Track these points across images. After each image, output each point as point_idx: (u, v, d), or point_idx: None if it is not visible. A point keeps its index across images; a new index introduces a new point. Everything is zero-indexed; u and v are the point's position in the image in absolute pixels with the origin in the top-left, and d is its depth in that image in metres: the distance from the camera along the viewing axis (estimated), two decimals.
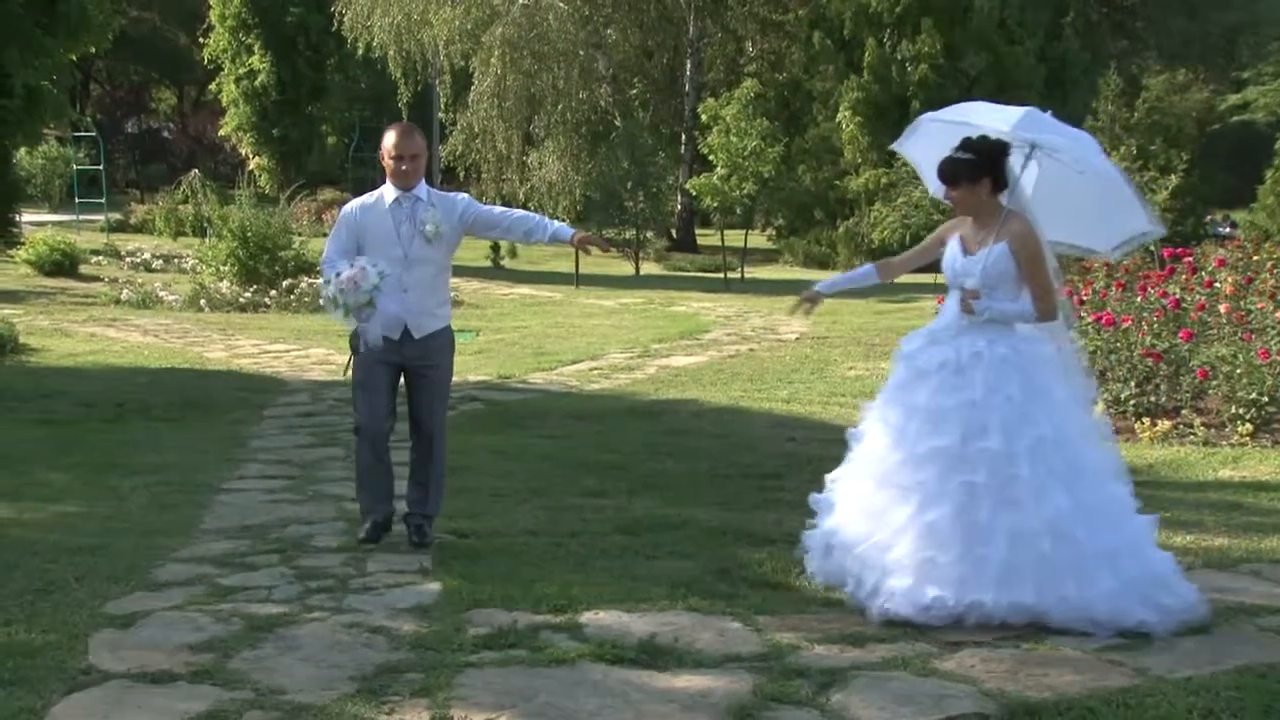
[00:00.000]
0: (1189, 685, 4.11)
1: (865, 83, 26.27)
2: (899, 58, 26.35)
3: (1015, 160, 5.00)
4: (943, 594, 4.63)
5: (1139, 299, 10.10)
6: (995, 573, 4.61)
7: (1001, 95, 24.59)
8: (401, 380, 5.76)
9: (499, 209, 5.99)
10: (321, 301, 5.66)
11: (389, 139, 5.64)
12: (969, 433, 4.76)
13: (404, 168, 5.56)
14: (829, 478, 5.32)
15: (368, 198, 5.76)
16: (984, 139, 4.97)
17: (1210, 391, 8.90)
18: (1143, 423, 8.52)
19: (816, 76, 28.13)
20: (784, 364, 12.12)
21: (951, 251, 5.09)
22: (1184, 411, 8.73)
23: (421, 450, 5.79)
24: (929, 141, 5.37)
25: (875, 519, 4.91)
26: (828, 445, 8.14)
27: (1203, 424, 8.49)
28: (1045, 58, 27.15)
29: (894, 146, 5.76)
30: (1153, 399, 8.95)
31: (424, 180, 5.73)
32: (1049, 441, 4.73)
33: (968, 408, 4.79)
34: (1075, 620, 4.57)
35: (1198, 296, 9.94)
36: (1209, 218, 28.80)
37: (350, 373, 5.74)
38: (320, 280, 5.71)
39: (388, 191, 5.64)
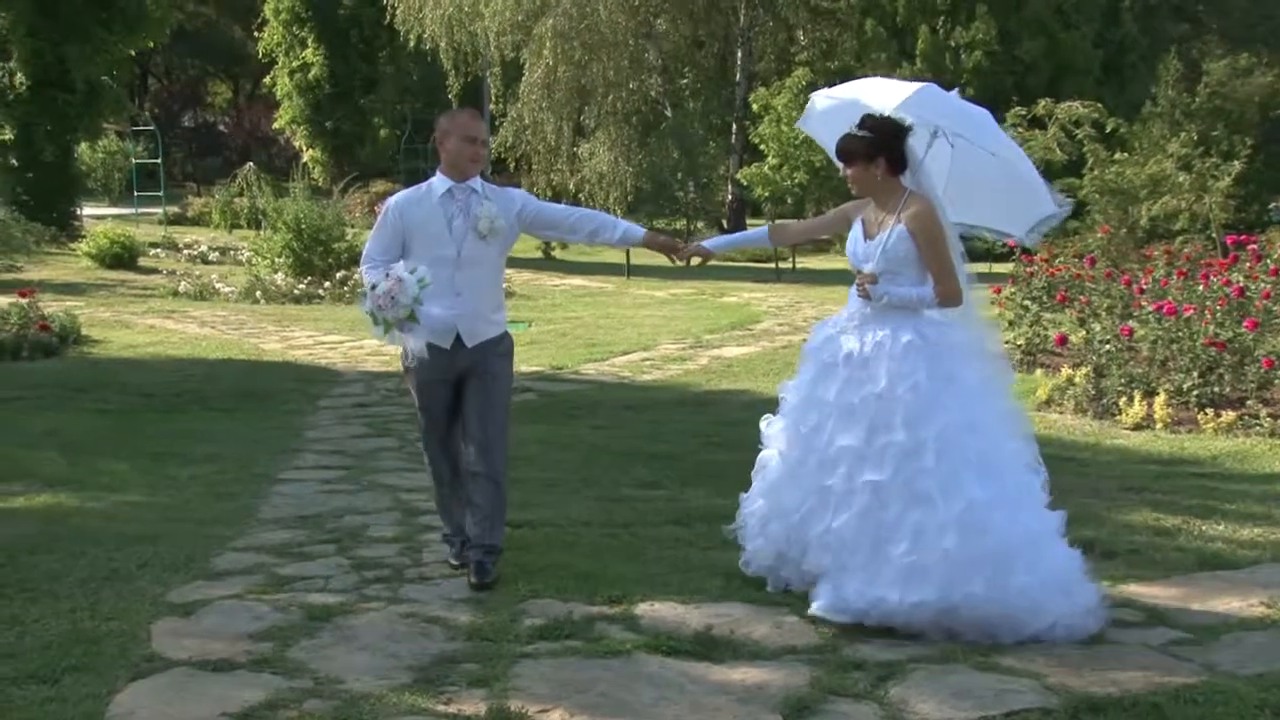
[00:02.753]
0: (1259, 682, 4.02)
1: (918, 70, 25.99)
2: (952, 44, 26.07)
3: (919, 141, 4.76)
4: (848, 593, 4.51)
5: (1201, 287, 9.91)
6: (900, 570, 4.44)
7: (1057, 81, 24.34)
8: None
9: (561, 207, 5.50)
10: (361, 313, 5.03)
11: (458, 119, 5.18)
12: (875, 428, 4.58)
13: (480, 151, 5.13)
14: (745, 497, 5.10)
15: (414, 191, 5.23)
16: (885, 118, 4.75)
17: (1277, 382, 8.73)
18: (1206, 414, 8.37)
19: (868, 64, 27.85)
20: None
21: (854, 235, 4.90)
22: (1249, 402, 8.55)
23: (478, 469, 5.14)
24: (829, 119, 5.12)
25: (792, 521, 4.77)
26: None
27: (1269, 415, 8.31)
28: (1102, 43, 26.77)
29: (798, 124, 5.52)
30: (1216, 389, 8.79)
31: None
32: (958, 428, 4.52)
33: (874, 401, 4.60)
34: (987, 616, 4.37)
35: (1263, 284, 9.73)
36: (1273, 204, 28.22)
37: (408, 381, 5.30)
38: (361, 277, 5.18)
39: (438, 183, 5.12)
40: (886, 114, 4.75)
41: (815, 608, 4.57)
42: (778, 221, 5.62)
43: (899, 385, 4.58)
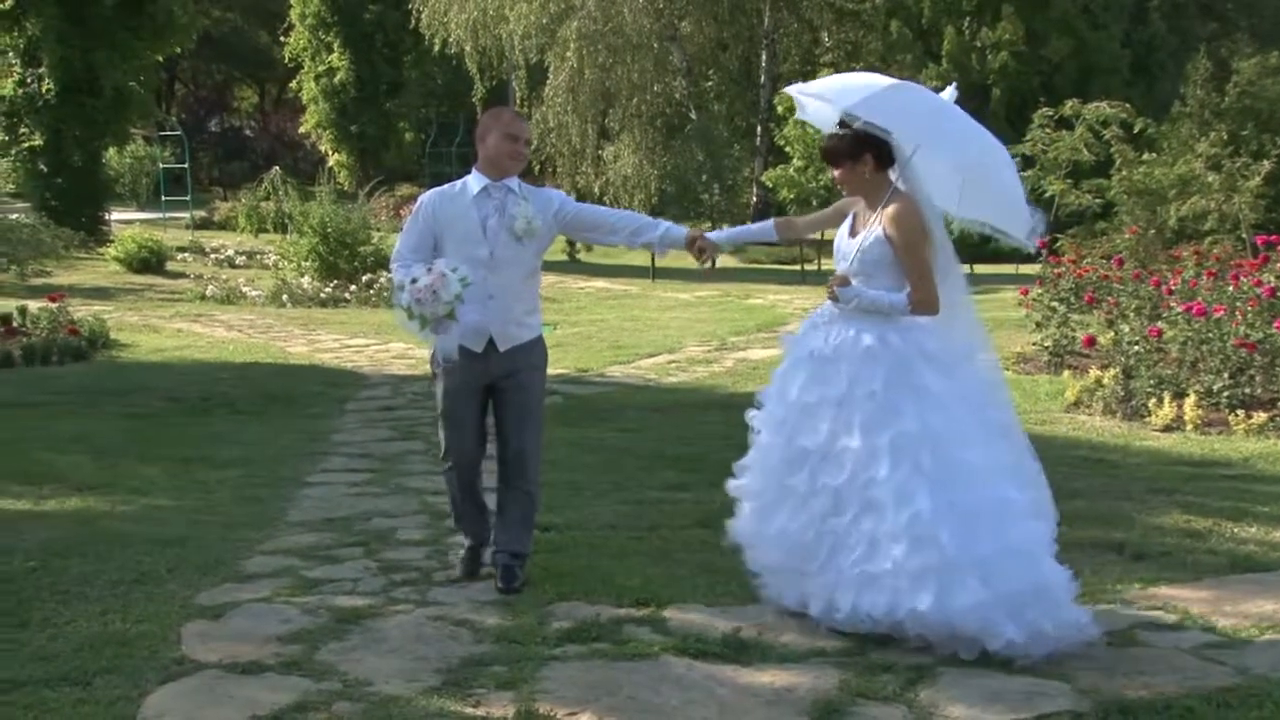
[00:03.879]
0: None
1: (944, 71, 25.95)
2: (978, 45, 25.99)
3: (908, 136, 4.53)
4: (809, 605, 4.44)
5: (1231, 288, 9.83)
6: (853, 580, 4.34)
7: (1085, 81, 24.21)
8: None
9: (601, 208, 5.30)
10: (394, 310, 4.91)
11: (502, 115, 5.05)
12: (835, 431, 4.44)
13: (521, 150, 4.95)
14: (737, 466, 4.87)
15: (449, 187, 5.06)
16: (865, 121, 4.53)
17: None
18: (1237, 415, 8.30)
19: (894, 65, 27.78)
20: None
21: (841, 231, 4.74)
22: None
23: (510, 479, 5.07)
24: (819, 116, 4.95)
25: (764, 519, 4.66)
26: None
27: None
28: (1130, 42, 26.62)
29: (798, 116, 5.30)
30: (1247, 390, 8.71)
31: None
32: (914, 437, 4.33)
33: (834, 404, 4.47)
34: (932, 634, 4.23)
35: None
36: None
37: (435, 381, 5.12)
38: (391, 276, 4.98)
39: (473, 181, 4.95)
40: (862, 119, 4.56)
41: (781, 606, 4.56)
42: (784, 218, 5.50)
43: (857, 389, 4.44)
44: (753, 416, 4.79)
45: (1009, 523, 4.31)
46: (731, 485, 4.86)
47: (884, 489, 4.32)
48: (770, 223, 5.21)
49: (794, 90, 5.02)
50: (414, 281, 4.64)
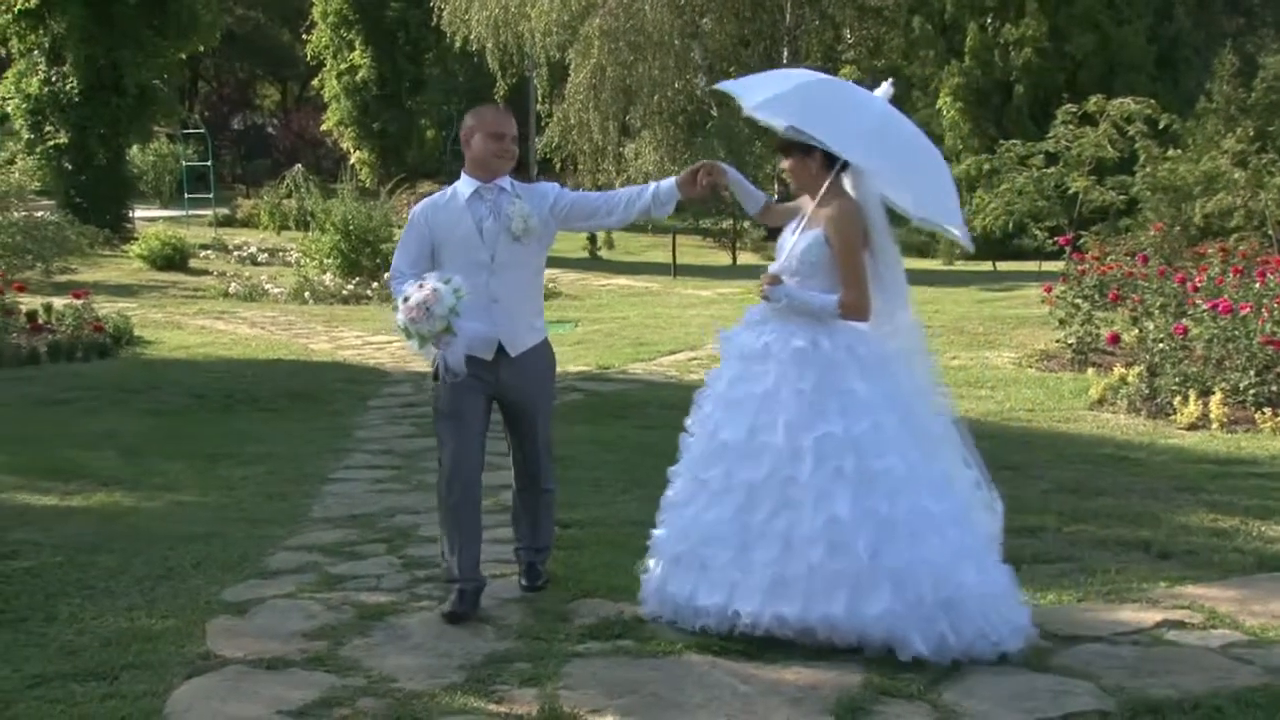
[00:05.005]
0: None
1: (967, 68, 25.82)
2: (1001, 41, 25.84)
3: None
4: (714, 600, 4.35)
5: (1257, 285, 9.76)
6: (764, 580, 4.25)
7: (1109, 78, 24.05)
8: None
9: (595, 194, 5.06)
10: (395, 328, 4.73)
11: (484, 115, 4.84)
12: (757, 426, 4.38)
13: (508, 148, 4.76)
14: (673, 471, 4.76)
15: (439, 196, 4.89)
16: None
17: None
18: (1263, 413, 8.23)
19: (916, 62, 27.71)
20: None
21: (788, 229, 4.66)
22: None
23: (527, 487, 5.00)
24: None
25: (677, 512, 4.59)
26: None
27: None
28: (1156, 38, 26.41)
29: (746, 112, 5.00)
30: (1274, 388, 8.63)
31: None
32: (838, 441, 4.26)
33: (759, 399, 4.40)
34: (841, 640, 4.18)
35: None
36: None
37: (436, 399, 4.85)
38: (391, 293, 4.79)
39: (463, 185, 4.80)
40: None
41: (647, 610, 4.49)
42: (771, 201, 5.39)
43: (784, 388, 4.38)
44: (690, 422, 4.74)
45: (926, 534, 4.26)
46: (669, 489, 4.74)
47: (804, 489, 4.26)
48: (763, 197, 5.00)
49: (725, 86, 4.94)
50: (406, 300, 4.49)
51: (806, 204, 4.66)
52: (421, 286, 4.48)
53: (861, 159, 4.46)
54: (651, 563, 4.67)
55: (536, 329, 4.87)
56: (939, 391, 4.62)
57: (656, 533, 4.69)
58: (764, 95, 4.63)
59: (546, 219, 4.81)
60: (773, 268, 4.60)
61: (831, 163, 4.50)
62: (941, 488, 4.37)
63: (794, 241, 4.55)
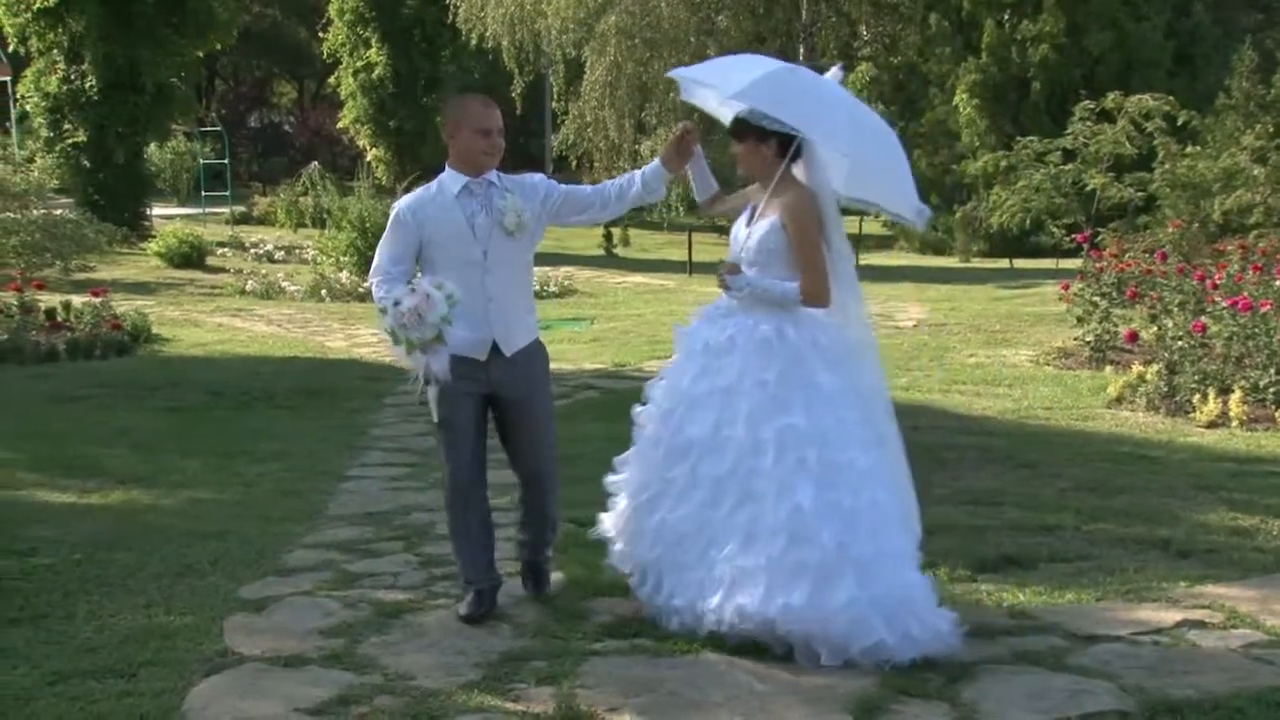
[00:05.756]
0: None
1: (983, 64, 25.70)
2: (1018, 38, 25.72)
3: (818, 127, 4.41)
4: (685, 600, 4.34)
5: (1277, 282, 9.70)
6: (726, 574, 4.23)
7: (1127, 74, 23.91)
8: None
9: (586, 188, 4.91)
10: (380, 331, 4.54)
11: (470, 110, 4.63)
12: (721, 420, 4.35)
13: (496, 143, 4.58)
14: (617, 461, 4.79)
15: (423, 191, 4.69)
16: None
17: None
18: None
19: (933, 59, 27.60)
20: (901, 351, 11.92)
21: (740, 220, 4.63)
22: None
23: (530, 495, 4.83)
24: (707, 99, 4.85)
25: (645, 514, 4.56)
26: (950, 433, 8.01)
27: None
28: (1173, 34, 26.24)
29: (683, 98, 5.09)
30: None
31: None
32: (800, 432, 4.25)
33: (722, 394, 4.38)
34: (804, 631, 4.13)
35: None
36: None
37: (428, 403, 4.72)
38: (374, 292, 4.62)
39: (450, 180, 4.62)
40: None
41: (647, 612, 4.45)
42: (720, 191, 5.31)
43: (746, 379, 4.35)
44: (638, 413, 4.72)
45: (885, 527, 4.28)
46: (609, 480, 4.76)
47: (766, 480, 4.25)
48: (716, 185, 4.94)
49: (677, 73, 4.91)
50: (397, 304, 4.35)
51: (756, 195, 4.63)
52: (414, 291, 4.36)
53: (827, 141, 4.43)
54: (628, 570, 4.65)
55: (530, 326, 4.75)
56: (885, 390, 4.60)
57: (617, 547, 4.67)
58: (734, 84, 4.52)
59: (538, 213, 4.69)
60: (729, 257, 4.57)
61: (785, 150, 4.48)
62: (894, 485, 4.41)
63: (748, 231, 4.54)
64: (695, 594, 4.33)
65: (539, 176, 4.83)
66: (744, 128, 4.54)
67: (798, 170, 4.53)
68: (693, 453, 4.41)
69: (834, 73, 4.66)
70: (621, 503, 4.70)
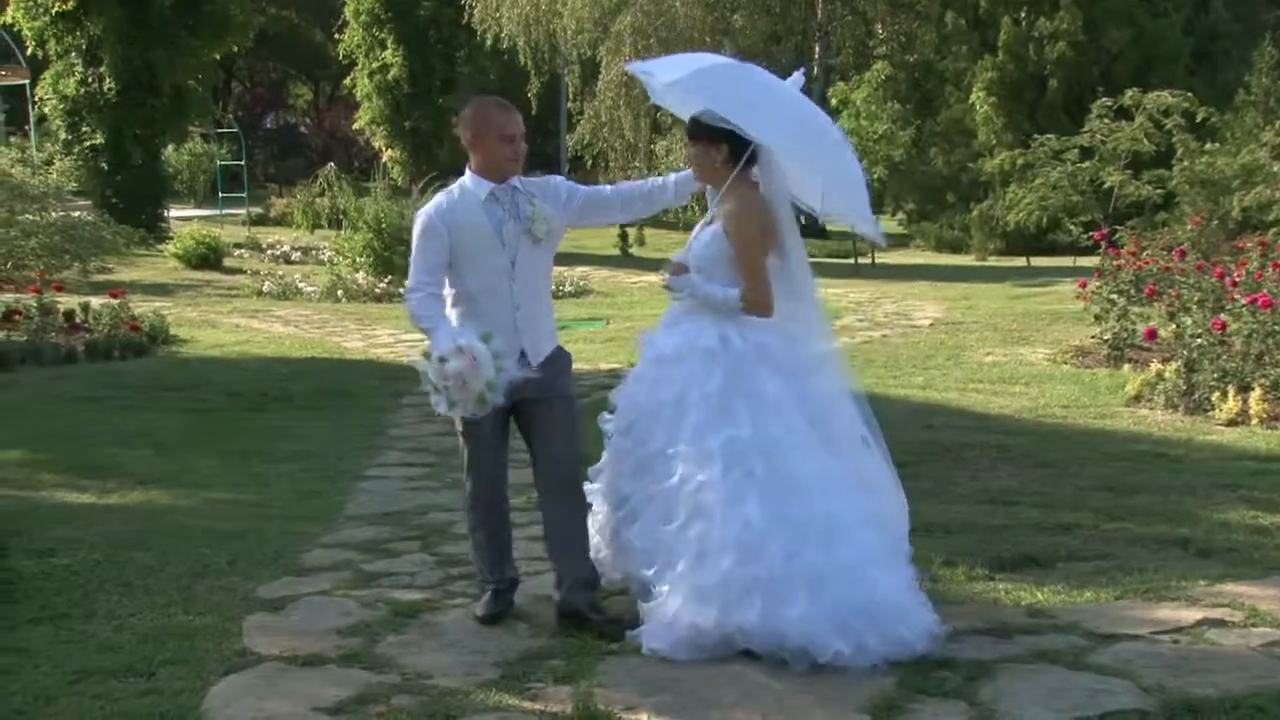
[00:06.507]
0: None
1: (1000, 62, 25.62)
2: (1035, 35, 25.64)
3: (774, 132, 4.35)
4: (645, 633, 4.24)
5: None
6: (681, 594, 4.17)
7: (1145, 71, 23.81)
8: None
9: (607, 188, 4.87)
10: (419, 374, 4.37)
11: (492, 117, 4.52)
12: (670, 434, 4.29)
13: (520, 148, 4.51)
14: (592, 470, 4.72)
15: (446, 197, 4.55)
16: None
17: None
18: None
19: (949, 57, 27.52)
20: (918, 350, 11.89)
21: (702, 220, 4.55)
22: None
23: (560, 510, 4.59)
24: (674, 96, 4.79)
25: (612, 532, 4.53)
26: (967, 432, 7.99)
27: None
28: (1192, 30, 26.13)
29: (654, 100, 5.08)
30: None
31: None
32: (746, 444, 4.19)
33: (671, 407, 4.32)
34: (762, 647, 4.08)
35: None
36: None
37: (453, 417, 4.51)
38: (411, 309, 4.50)
39: (475, 186, 4.51)
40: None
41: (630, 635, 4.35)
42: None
43: (691, 391, 4.29)
44: (605, 420, 4.69)
45: (838, 537, 4.19)
46: (588, 488, 4.70)
47: (714, 494, 4.18)
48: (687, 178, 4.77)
49: (633, 68, 4.86)
50: (443, 361, 4.19)
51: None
52: (461, 351, 4.19)
53: (778, 145, 4.39)
54: (618, 577, 4.63)
55: (552, 331, 4.68)
56: (849, 392, 4.56)
57: (603, 554, 4.64)
58: (677, 74, 4.50)
59: (562, 216, 4.63)
60: (676, 258, 4.53)
61: (737, 157, 4.41)
62: (851, 491, 4.32)
63: (698, 236, 4.51)
64: (655, 616, 4.26)
65: (559, 178, 4.77)
66: (697, 128, 4.49)
67: (757, 175, 4.47)
68: (647, 470, 4.38)
69: (795, 78, 4.58)
70: (601, 515, 4.66)
